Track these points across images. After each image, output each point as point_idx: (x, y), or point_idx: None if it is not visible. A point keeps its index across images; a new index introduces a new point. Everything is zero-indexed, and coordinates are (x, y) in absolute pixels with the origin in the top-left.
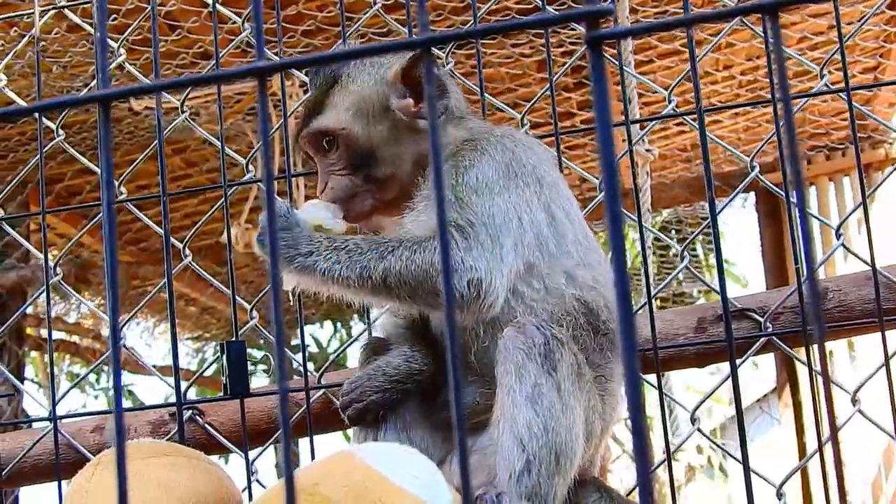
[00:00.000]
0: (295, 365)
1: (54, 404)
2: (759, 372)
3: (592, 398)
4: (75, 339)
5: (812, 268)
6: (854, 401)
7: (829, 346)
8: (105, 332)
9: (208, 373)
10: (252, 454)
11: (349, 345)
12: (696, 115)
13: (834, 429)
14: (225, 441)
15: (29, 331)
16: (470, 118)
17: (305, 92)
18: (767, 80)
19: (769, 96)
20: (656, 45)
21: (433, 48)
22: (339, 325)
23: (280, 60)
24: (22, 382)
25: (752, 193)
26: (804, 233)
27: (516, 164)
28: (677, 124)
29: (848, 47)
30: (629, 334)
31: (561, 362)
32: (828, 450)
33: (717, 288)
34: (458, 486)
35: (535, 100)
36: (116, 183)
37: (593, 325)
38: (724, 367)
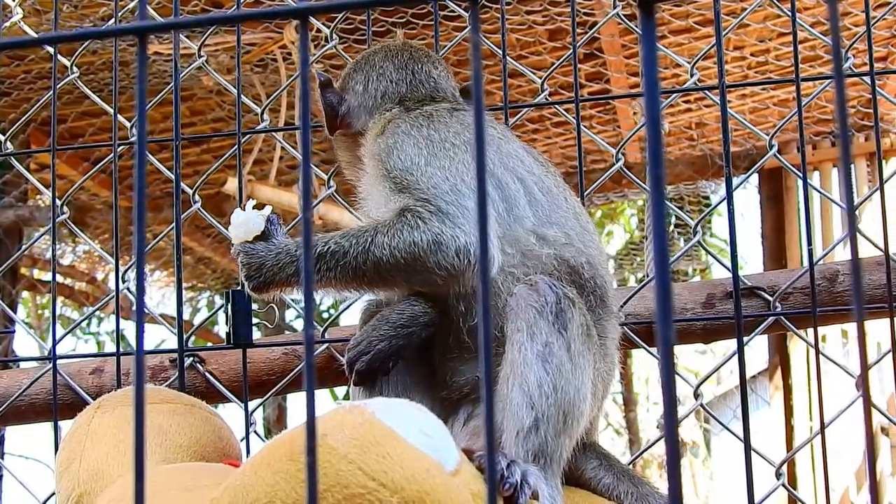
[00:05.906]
0: (287, 321)
1: (55, 344)
2: (748, 353)
3: (598, 360)
4: (69, 281)
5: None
6: (857, 385)
7: (823, 331)
8: (100, 276)
9: (197, 321)
10: (250, 405)
11: (352, 303)
12: (717, 90)
13: (868, 415)
14: (225, 390)
15: (23, 271)
16: (398, 106)
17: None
18: (778, 63)
19: (779, 78)
20: (669, 20)
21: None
22: None
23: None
24: (13, 323)
25: (756, 176)
26: (850, 213)
27: (435, 134)
28: (685, 101)
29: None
30: (666, 307)
31: (572, 321)
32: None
33: (729, 265)
34: (463, 448)
35: (557, 64)
36: (129, 124)
37: (577, 283)
38: (712, 345)
